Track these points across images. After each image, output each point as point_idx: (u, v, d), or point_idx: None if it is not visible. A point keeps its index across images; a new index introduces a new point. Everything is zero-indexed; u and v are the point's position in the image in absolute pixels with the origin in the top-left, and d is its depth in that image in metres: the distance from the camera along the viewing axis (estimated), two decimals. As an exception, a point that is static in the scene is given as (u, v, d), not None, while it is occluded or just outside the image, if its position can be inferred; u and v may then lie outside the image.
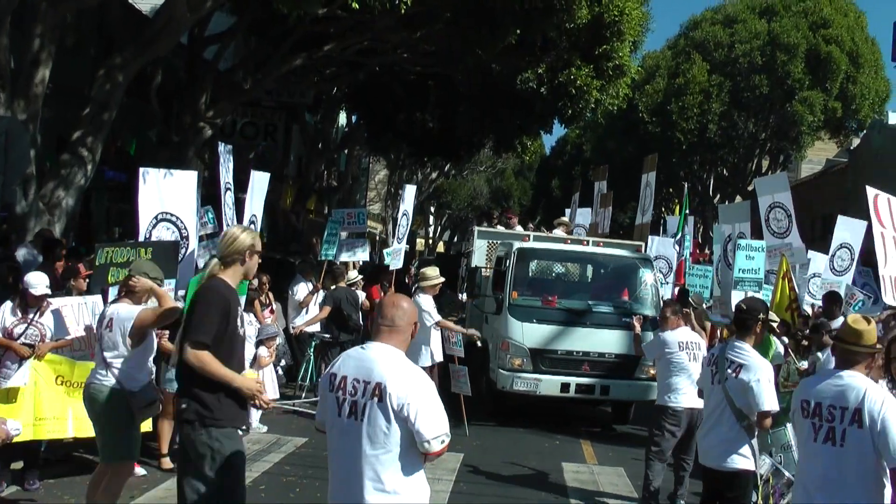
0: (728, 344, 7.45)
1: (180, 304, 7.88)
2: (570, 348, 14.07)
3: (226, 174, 11.80)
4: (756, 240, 14.15)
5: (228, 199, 11.89)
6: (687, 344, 9.86)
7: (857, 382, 5.42)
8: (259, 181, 11.50)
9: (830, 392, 5.48)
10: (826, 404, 5.46)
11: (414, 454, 4.65)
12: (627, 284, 15.27)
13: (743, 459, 7.10)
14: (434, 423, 4.61)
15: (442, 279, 13.37)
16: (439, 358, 13.30)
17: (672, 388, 9.81)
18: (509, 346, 14.03)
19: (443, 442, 4.64)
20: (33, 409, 8.47)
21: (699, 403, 9.22)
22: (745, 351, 7.17)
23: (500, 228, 17.99)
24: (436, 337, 13.24)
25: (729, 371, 7.14)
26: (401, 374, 4.68)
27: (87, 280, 10.18)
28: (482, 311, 15.51)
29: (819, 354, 11.27)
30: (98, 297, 9.47)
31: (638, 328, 11.25)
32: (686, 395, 9.73)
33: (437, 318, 13.15)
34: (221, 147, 11.79)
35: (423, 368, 11.13)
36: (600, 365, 14.08)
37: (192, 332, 5.79)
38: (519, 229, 18.14)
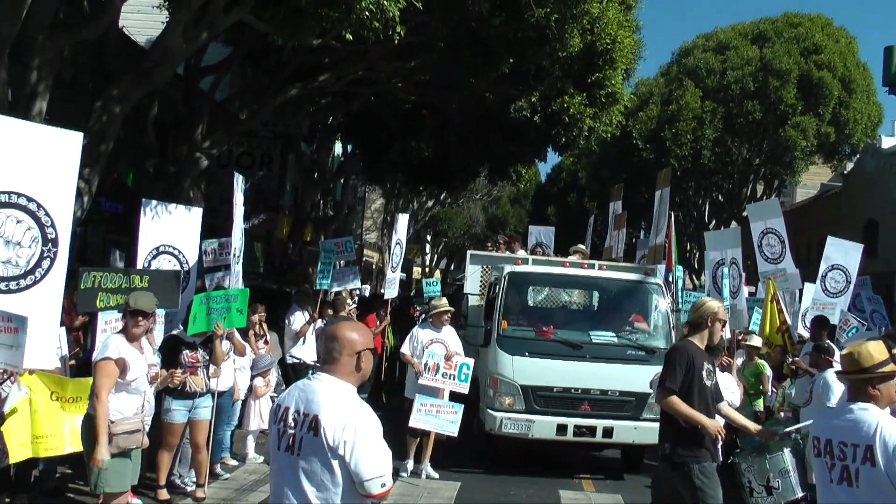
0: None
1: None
2: (568, 385, 12.53)
3: (237, 203, 11.87)
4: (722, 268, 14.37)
5: (238, 231, 11.95)
6: None
7: (869, 416, 4.93)
8: (239, 214, 11.57)
9: (840, 427, 5.02)
10: (836, 441, 4.99)
11: (356, 497, 4.27)
12: (635, 312, 13.80)
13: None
14: (372, 463, 4.23)
15: (451, 309, 12.74)
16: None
17: None
18: (498, 383, 12.62)
19: (383, 486, 4.24)
20: (31, 428, 8.46)
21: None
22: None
23: (500, 253, 16.93)
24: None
25: None
26: (338, 406, 4.32)
27: None
28: (469, 343, 13.89)
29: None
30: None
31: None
32: None
33: (404, 349, 12.63)
34: (236, 177, 11.91)
35: None
36: (603, 404, 12.56)
37: (663, 381, 7.08)
38: (522, 254, 16.66)
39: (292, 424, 4.38)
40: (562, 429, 12.45)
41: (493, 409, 12.57)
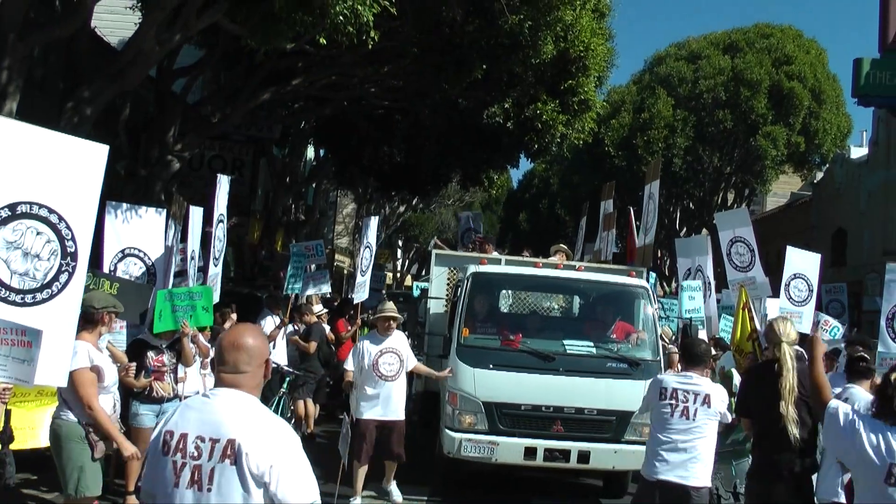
0: (844, 389, 7.25)
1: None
2: (538, 402, 10.86)
3: (220, 205, 11.83)
4: (693, 280, 14.30)
5: (220, 231, 11.89)
6: (674, 392, 7.39)
7: None
8: (198, 217, 11.51)
9: None
10: None
11: None
12: (617, 319, 12.07)
13: (834, 494, 6.80)
14: (302, 489, 3.76)
15: (395, 315, 11.05)
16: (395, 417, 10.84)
17: (649, 449, 7.58)
18: (458, 400, 10.91)
19: None
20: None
21: (692, 479, 7.27)
22: (853, 394, 6.92)
23: (469, 253, 15.28)
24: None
25: None
26: (258, 426, 3.79)
27: None
28: (429, 354, 12.37)
29: None
30: None
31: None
32: (661, 462, 7.34)
33: (348, 365, 11.08)
34: (220, 178, 11.86)
35: None
36: (578, 424, 10.88)
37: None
38: (495, 255, 14.56)
39: (196, 454, 3.74)
40: (530, 452, 10.80)
41: (452, 430, 10.92)
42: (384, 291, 25.02)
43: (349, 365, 10.95)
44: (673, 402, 7.34)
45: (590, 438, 10.85)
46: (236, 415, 3.79)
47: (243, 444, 3.68)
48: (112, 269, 10.83)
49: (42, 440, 8.70)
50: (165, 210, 12.29)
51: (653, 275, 15.58)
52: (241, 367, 3.93)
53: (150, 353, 9.79)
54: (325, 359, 14.36)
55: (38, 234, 6.58)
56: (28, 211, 6.53)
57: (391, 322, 10.85)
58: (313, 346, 14.43)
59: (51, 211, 6.63)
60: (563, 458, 10.81)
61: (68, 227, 6.72)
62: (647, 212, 15.97)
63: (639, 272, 13.04)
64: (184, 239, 12.18)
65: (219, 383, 3.97)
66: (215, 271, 11.80)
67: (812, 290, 14.72)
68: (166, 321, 9.77)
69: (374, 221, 15.43)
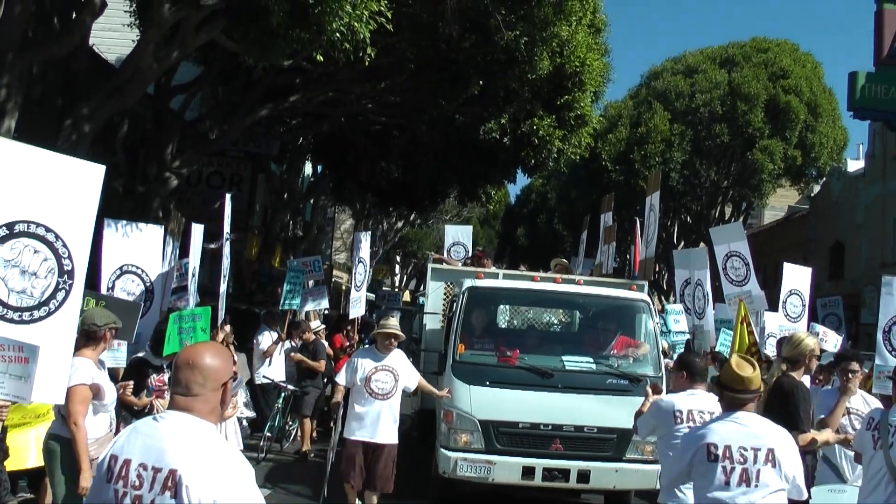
0: (893, 408, 6.77)
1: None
2: (536, 420, 10.47)
3: (228, 224, 11.91)
4: (676, 304, 14.22)
5: (227, 250, 11.95)
6: (690, 414, 6.83)
7: (761, 423, 5.60)
8: (198, 234, 11.54)
9: (739, 434, 5.51)
10: (736, 446, 5.47)
11: None
12: (617, 334, 11.67)
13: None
14: None
15: (397, 333, 10.41)
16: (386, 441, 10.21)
17: (667, 478, 6.88)
18: (454, 418, 10.55)
19: None
20: None
21: None
22: None
23: (466, 267, 14.64)
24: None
25: (893, 438, 6.48)
26: (202, 457, 3.43)
27: None
28: (426, 371, 11.71)
29: None
30: None
31: (651, 397, 7.49)
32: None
33: (339, 379, 10.63)
34: (227, 197, 11.94)
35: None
36: (577, 442, 10.50)
37: (799, 424, 6.84)
38: (493, 269, 14.09)
39: (137, 483, 3.43)
40: (529, 472, 10.37)
41: (448, 449, 10.52)
42: (390, 307, 24.97)
43: (341, 379, 10.51)
44: (692, 424, 6.80)
45: (590, 457, 10.47)
46: (182, 443, 3.47)
47: (185, 476, 3.37)
48: (110, 286, 10.83)
49: (35, 461, 8.69)
50: (164, 226, 12.34)
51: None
52: (193, 389, 3.58)
53: (152, 373, 9.80)
54: (327, 375, 14.42)
55: (35, 252, 6.58)
56: (25, 230, 6.54)
57: (392, 340, 10.30)
58: (322, 363, 14.56)
59: (48, 230, 6.65)
60: (563, 478, 10.41)
61: (65, 246, 6.73)
62: (648, 224, 15.28)
63: (640, 286, 12.50)
64: (182, 255, 12.22)
65: (171, 405, 3.64)
66: (223, 289, 11.90)
67: (804, 305, 14.70)
68: (173, 344, 9.78)
69: (365, 237, 15.24)
